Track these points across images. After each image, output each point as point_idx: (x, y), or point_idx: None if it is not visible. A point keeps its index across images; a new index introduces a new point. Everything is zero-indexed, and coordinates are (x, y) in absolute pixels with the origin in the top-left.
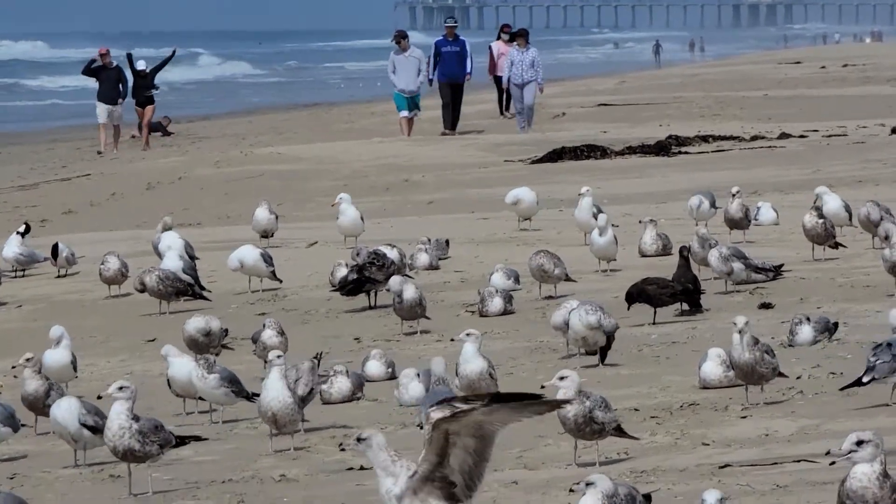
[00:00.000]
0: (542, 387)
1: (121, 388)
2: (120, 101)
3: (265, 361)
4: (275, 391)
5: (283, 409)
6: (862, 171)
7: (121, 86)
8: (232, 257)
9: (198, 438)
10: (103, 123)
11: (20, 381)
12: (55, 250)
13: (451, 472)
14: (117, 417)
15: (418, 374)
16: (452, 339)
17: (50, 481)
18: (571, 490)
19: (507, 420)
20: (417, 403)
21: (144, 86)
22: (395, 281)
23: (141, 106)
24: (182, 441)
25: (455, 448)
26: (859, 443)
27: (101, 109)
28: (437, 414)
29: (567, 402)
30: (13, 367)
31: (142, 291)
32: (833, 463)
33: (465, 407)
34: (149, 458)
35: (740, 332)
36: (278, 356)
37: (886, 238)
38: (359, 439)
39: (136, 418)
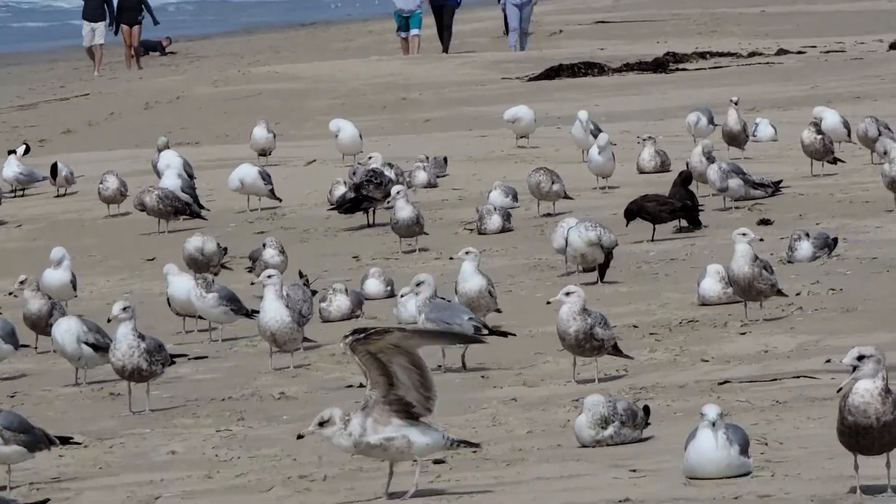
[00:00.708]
0: (548, 302)
1: (124, 309)
2: (104, 22)
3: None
4: (272, 311)
5: (281, 328)
6: (860, 87)
7: (105, 6)
8: (232, 177)
9: (185, 356)
10: (89, 46)
11: (20, 300)
12: (54, 169)
13: (406, 390)
14: (125, 338)
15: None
16: (451, 258)
17: (50, 399)
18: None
19: (421, 344)
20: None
21: (130, 7)
22: (397, 188)
23: (128, 25)
24: (173, 360)
25: (394, 366)
26: (860, 357)
27: (86, 29)
28: (350, 338)
29: (480, 340)
30: (10, 294)
31: (142, 210)
32: (839, 391)
33: (379, 329)
34: (152, 378)
35: (750, 242)
36: (269, 276)
37: (885, 154)
38: (321, 423)
39: (141, 337)
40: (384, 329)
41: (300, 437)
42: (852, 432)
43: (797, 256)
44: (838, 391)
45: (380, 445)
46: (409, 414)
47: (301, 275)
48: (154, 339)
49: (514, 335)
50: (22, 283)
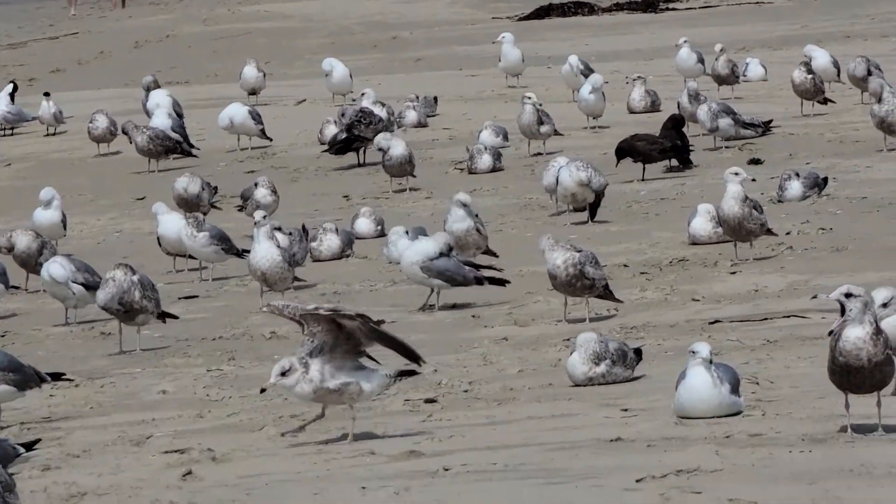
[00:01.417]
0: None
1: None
2: None
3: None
4: (263, 251)
5: (272, 268)
6: (850, 27)
7: None
8: (222, 115)
9: (174, 317)
10: None
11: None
12: (48, 95)
13: (355, 330)
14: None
15: (407, 232)
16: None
17: (41, 339)
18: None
19: (369, 336)
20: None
21: None
22: (381, 136)
23: None
24: (164, 316)
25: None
26: (848, 295)
27: None
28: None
29: (419, 361)
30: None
31: (125, 133)
32: (831, 333)
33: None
34: (142, 314)
35: (742, 182)
36: (263, 216)
37: (880, 100)
38: (283, 374)
39: (132, 270)
40: (349, 316)
41: (263, 391)
42: (843, 372)
43: (787, 196)
44: (829, 333)
45: (337, 390)
46: (358, 353)
47: (304, 229)
48: (147, 277)
49: (510, 282)
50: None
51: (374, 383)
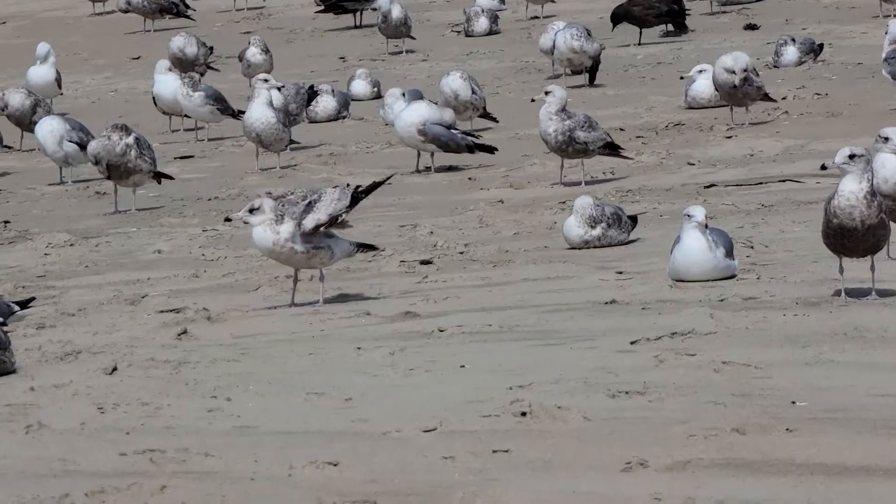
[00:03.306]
0: (532, 100)
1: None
2: None
3: (250, 80)
4: (258, 112)
5: (267, 129)
6: None
7: None
8: None
9: (169, 177)
10: None
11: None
12: None
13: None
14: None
15: (403, 94)
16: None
17: (36, 198)
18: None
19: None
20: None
21: None
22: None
23: None
24: (159, 176)
25: None
26: (852, 156)
27: None
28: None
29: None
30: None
31: (125, 11)
32: (824, 167)
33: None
34: (137, 173)
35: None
36: (265, 80)
37: None
38: (251, 210)
39: (129, 131)
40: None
41: (228, 220)
42: (837, 234)
43: (783, 61)
44: (823, 166)
45: (305, 252)
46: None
47: (312, 88)
48: (143, 136)
49: (497, 150)
50: None
51: (342, 247)
